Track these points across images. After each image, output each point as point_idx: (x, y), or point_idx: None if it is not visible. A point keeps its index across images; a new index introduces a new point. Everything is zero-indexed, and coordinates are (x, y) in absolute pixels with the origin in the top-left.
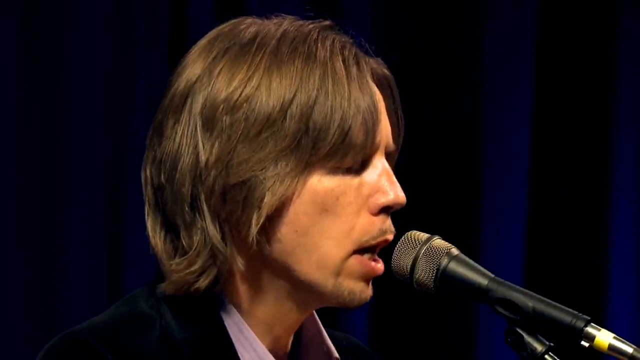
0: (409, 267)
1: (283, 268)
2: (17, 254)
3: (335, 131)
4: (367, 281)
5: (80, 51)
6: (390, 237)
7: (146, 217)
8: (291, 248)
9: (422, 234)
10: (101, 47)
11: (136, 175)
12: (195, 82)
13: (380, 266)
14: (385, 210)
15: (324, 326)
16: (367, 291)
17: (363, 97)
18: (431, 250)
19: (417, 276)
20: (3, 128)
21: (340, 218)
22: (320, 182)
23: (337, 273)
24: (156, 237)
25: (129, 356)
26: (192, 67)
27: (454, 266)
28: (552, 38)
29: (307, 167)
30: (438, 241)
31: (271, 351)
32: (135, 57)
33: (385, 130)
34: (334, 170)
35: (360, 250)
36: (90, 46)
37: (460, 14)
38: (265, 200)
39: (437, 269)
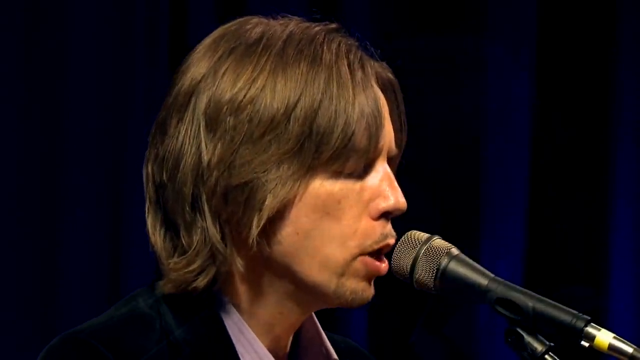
0: (409, 267)
1: (284, 269)
2: (17, 254)
3: (339, 135)
4: (369, 280)
5: (80, 51)
6: (392, 241)
7: (146, 214)
8: (293, 250)
9: (422, 233)
10: (101, 47)
11: (136, 175)
12: (200, 81)
13: (384, 266)
14: (385, 215)
15: (323, 329)
16: (369, 290)
17: (367, 102)
18: (431, 250)
19: (417, 276)
20: (3, 128)
21: (342, 222)
22: (322, 186)
23: (341, 274)
24: (156, 235)
25: (130, 357)
26: (197, 65)
27: (454, 266)
28: (552, 38)
29: (309, 170)
30: (438, 241)
31: (271, 351)
32: (135, 57)
33: (388, 135)
34: (336, 175)
35: (365, 254)
36: (90, 46)
37: (461, 14)
38: (266, 202)
39: (437, 269)
